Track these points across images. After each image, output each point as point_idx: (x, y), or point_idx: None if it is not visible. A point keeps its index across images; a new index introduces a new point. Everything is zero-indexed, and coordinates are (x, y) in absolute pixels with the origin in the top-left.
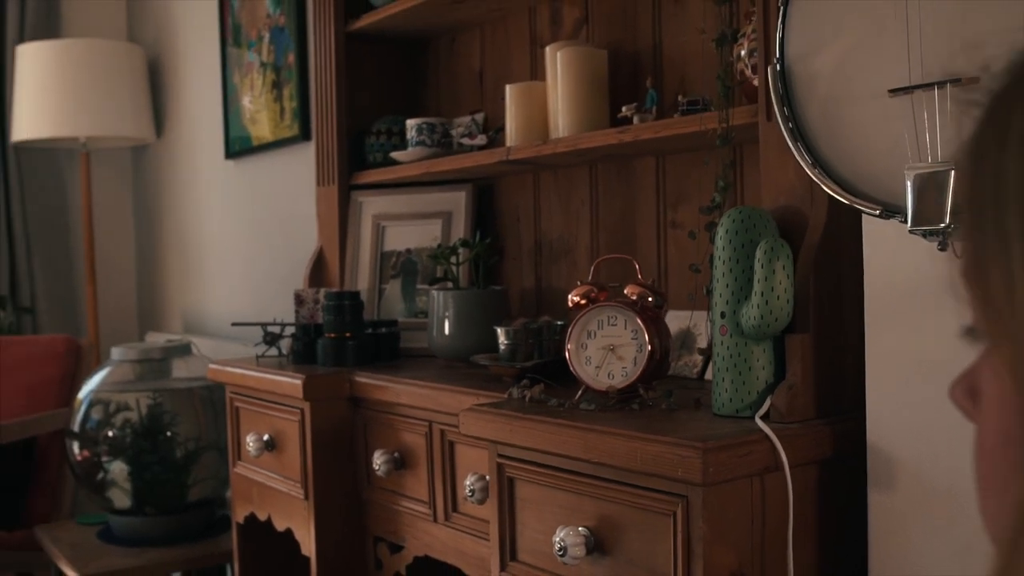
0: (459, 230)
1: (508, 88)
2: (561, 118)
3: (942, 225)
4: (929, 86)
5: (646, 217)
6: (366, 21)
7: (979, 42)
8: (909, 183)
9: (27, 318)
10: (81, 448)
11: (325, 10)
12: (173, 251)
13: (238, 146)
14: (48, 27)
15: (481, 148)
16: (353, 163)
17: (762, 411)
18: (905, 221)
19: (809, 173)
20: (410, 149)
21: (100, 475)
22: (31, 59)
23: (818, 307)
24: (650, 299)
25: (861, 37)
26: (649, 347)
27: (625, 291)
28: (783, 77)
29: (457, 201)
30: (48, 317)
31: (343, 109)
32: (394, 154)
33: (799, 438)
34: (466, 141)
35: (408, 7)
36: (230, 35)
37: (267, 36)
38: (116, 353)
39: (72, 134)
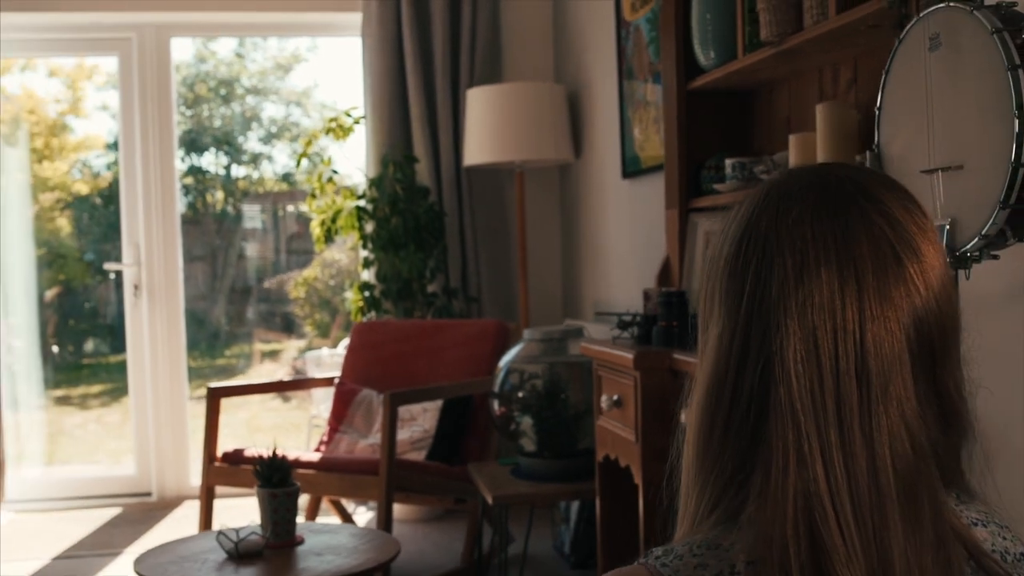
0: None
1: (791, 137)
2: (819, 160)
3: (949, 259)
4: (935, 171)
5: None
6: (700, 82)
7: (960, 143)
8: None
9: (474, 305)
10: (500, 405)
11: (670, 72)
12: (587, 252)
13: (631, 168)
14: (492, 73)
15: None
16: (692, 191)
17: None
18: None
19: None
20: (726, 182)
21: (513, 426)
22: (479, 100)
23: None
24: None
25: (909, 136)
26: None
27: None
28: (879, 156)
29: None
30: (490, 305)
31: (683, 150)
32: (715, 186)
33: None
34: (764, 176)
35: (725, 73)
36: (625, 76)
37: (650, 79)
38: (527, 334)
39: (510, 159)
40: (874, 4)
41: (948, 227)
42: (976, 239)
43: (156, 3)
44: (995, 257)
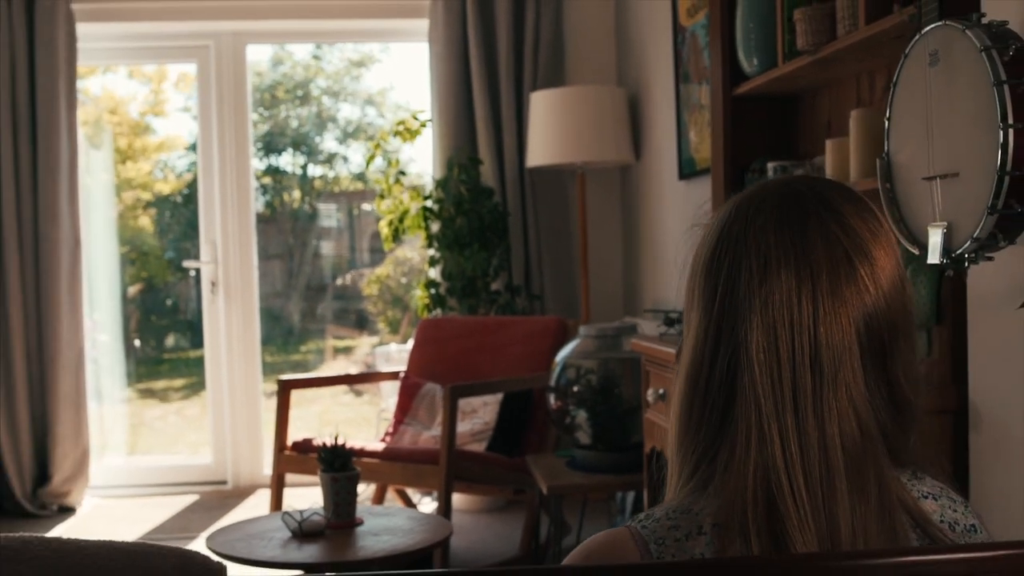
0: None
1: (827, 142)
2: (852, 164)
3: (946, 261)
4: (935, 178)
5: None
6: (744, 88)
7: (956, 153)
8: (931, 233)
9: (536, 303)
10: (556, 399)
11: (716, 79)
12: (646, 251)
13: (687, 169)
14: (555, 77)
15: None
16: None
17: None
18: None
19: (892, 226)
20: None
21: (568, 420)
22: (541, 103)
23: (950, 309)
24: None
25: (914, 145)
26: None
27: None
28: (888, 165)
29: None
30: (552, 302)
31: (729, 152)
32: None
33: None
34: None
35: (767, 80)
36: (681, 80)
37: (704, 83)
38: (583, 331)
39: (572, 160)
40: (896, 17)
41: (945, 231)
42: (969, 242)
43: (232, 12)
44: (989, 259)
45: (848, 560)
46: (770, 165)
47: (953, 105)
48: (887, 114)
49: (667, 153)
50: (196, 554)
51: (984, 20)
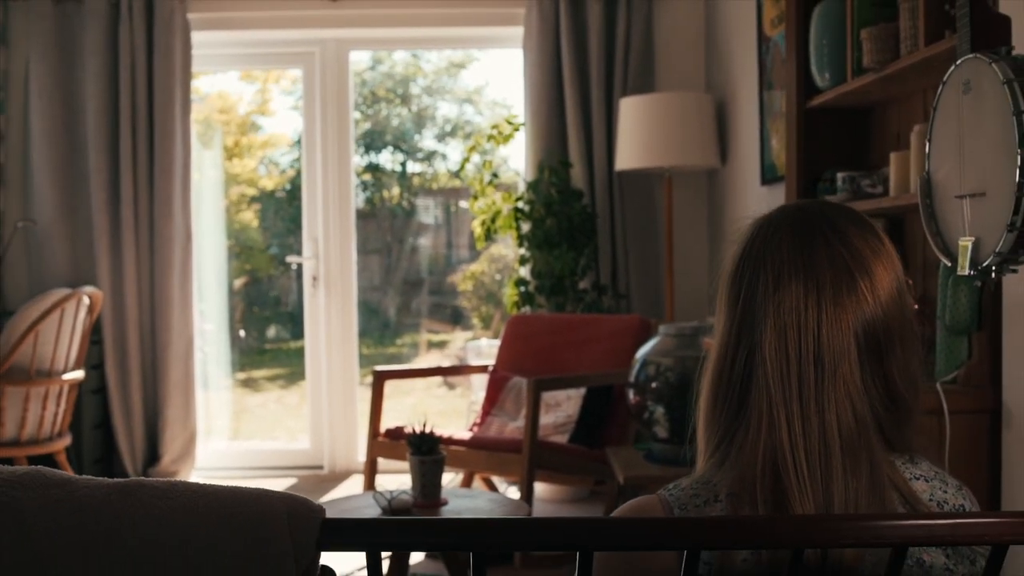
0: None
1: (891, 155)
2: (912, 177)
3: (973, 272)
4: (965, 196)
5: None
6: (816, 101)
7: (983, 174)
8: (960, 247)
9: (623, 301)
10: (635, 395)
11: (791, 91)
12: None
13: (769, 175)
14: (644, 84)
15: (879, 196)
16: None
17: (948, 378)
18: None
19: (929, 239)
20: (838, 194)
21: (646, 415)
22: (631, 108)
23: (989, 316)
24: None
25: (949, 168)
26: None
27: None
28: (928, 182)
29: None
30: (638, 301)
31: (802, 162)
32: (827, 197)
33: (960, 395)
34: (868, 189)
35: (836, 95)
36: (765, 88)
37: (783, 93)
38: (662, 329)
39: (660, 164)
40: (947, 42)
41: (972, 245)
42: (993, 256)
43: (336, 21)
44: (1013, 271)
45: (834, 523)
46: (839, 175)
47: (982, 130)
48: (928, 135)
49: (750, 158)
50: (302, 498)
51: (1012, 53)
